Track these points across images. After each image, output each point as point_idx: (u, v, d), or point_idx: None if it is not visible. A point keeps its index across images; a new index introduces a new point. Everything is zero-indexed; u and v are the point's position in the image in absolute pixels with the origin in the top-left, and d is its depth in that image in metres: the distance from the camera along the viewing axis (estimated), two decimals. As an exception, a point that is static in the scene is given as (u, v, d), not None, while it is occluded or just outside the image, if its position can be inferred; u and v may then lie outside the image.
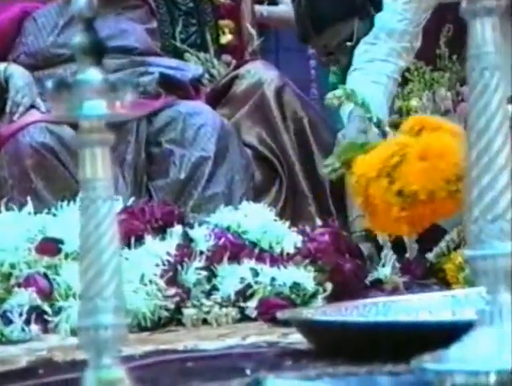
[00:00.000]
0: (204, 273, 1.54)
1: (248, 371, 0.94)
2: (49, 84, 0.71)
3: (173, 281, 1.51)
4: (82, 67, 0.73)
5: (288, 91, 2.05)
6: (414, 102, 1.79)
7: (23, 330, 1.43)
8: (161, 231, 1.61)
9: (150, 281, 1.49)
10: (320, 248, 1.60)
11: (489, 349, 0.77)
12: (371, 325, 1.00)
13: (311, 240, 1.63)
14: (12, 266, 1.52)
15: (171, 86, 2.02)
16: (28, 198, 1.67)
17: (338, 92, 1.71)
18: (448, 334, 0.81)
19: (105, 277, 0.75)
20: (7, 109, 1.93)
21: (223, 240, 1.58)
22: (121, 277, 0.76)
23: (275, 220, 1.68)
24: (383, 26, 1.86)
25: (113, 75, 1.93)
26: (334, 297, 1.50)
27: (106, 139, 0.76)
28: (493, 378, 0.75)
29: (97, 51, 0.72)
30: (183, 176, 1.93)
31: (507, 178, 0.78)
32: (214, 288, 1.53)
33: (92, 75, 0.73)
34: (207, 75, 2.17)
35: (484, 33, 0.76)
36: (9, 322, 1.44)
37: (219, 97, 2.12)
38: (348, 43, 2.10)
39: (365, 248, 1.91)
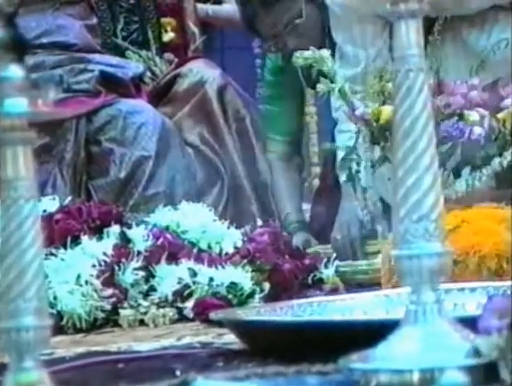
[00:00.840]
0: (142, 273, 1.53)
1: (178, 372, 0.93)
2: (-33, 80, 0.70)
3: (110, 281, 1.49)
4: (2, 64, 0.72)
5: (230, 90, 2.06)
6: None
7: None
8: (98, 231, 1.59)
9: (87, 282, 1.47)
10: (258, 248, 1.61)
11: (413, 348, 0.78)
12: (301, 324, 1.01)
13: (251, 240, 1.64)
14: None
15: (112, 84, 2.01)
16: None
17: (307, 53, 1.69)
18: (376, 333, 0.82)
19: (27, 277, 0.74)
20: None
21: (161, 240, 1.58)
22: (43, 278, 0.76)
23: (215, 220, 1.68)
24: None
25: (51, 71, 1.91)
26: (272, 298, 1.50)
27: (28, 138, 0.75)
28: (416, 376, 0.76)
29: (18, 48, 0.71)
30: (123, 175, 1.92)
31: (432, 179, 0.80)
32: (152, 288, 1.52)
33: (13, 71, 0.72)
34: (148, 74, 2.16)
35: (408, 35, 0.77)
36: None
37: (160, 96, 2.11)
38: (297, 21, 2.08)
39: (301, 236, 1.93)
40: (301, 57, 1.69)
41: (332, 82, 1.67)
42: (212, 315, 1.14)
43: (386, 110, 1.67)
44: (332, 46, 1.98)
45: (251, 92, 2.40)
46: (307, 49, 1.76)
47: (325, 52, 1.71)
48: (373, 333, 0.82)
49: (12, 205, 0.75)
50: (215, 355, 1.06)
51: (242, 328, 1.07)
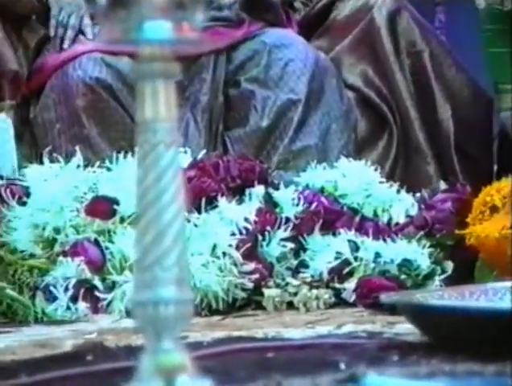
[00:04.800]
0: (291, 245, 1.55)
1: (342, 366, 0.94)
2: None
3: (252, 254, 1.53)
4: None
5: (405, 16, 2.02)
6: None
7: (69, 308, 1.48)
8: (238, 192, 1.62)
9: (224, 254, 1.51)
10: (439, 217, 1.59)
11: None
12: (503, 312, 1.00)
13: (429, 208, 1.62)
14: (56, 231, 1.57)
15: (258, 9, 2.01)
16: (77, 147, 1.71)
17: None
18: None
19: (165, 241, 0.76)
20: (51, 32, 1.94)
21: (315, 204, 1.59)
22: (185, 242, 0.78)
23: (381, 182, 1.68)
24: None
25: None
26: (456, 280, 1.49)
27: (171, 70, 0.76)
28: None
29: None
30: (265, 124, 1.93)
31: None
32: (303, 264, 1.54)
33: (155, -12, 0.74)
34: (300, -3, 2.16)
35: None
36: (52, 298, 1.49)
37: (314, 25, 2.11)
38: None
39: None
40: None
41: None
42: (384, 298, 1.15)
43: None
44: None
45: (430, 18, 2.35)
46: None
47: None
48: None
49: (150, 152, 0.76)
50: (387, 347, 1.07)
51: (422, 315, 1.07)
